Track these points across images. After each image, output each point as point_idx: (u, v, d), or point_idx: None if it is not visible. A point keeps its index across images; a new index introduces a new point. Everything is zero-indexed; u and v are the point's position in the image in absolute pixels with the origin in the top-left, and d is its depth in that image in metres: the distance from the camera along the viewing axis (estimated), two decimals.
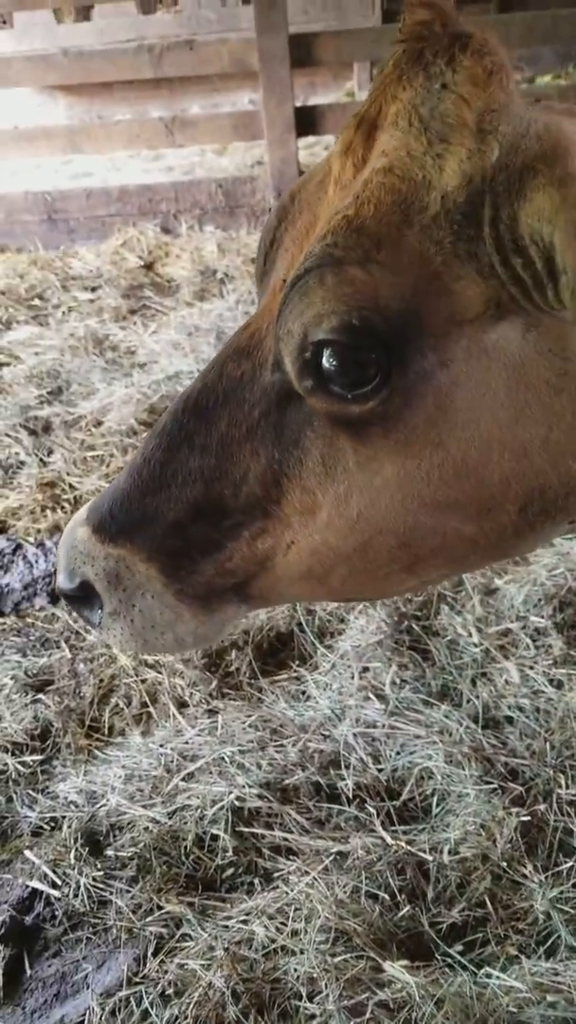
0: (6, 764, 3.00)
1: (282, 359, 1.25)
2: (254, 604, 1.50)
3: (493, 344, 1.17)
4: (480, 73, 1.15)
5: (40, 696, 3.28)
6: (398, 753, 2.92)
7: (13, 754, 3.04)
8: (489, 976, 2.29)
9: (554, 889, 2.49)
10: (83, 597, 1.46)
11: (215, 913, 2.50)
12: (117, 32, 11.92)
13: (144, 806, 2.80)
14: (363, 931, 2.38)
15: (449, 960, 2.36)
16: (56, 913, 2.57)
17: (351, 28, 10.32)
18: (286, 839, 2.68)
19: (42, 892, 2.61)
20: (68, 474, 4.54)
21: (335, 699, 3.13)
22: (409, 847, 2.62)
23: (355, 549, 1.32)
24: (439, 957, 2.37)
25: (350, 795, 2.80)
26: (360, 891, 2.51)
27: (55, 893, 2.60)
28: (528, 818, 2.67)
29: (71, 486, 4.46)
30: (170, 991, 2.32)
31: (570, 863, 2.57)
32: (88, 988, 2.39)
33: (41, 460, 4.70)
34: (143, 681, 3.30)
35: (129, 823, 2.77)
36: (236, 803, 2.77)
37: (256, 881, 2.59)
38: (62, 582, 1.47)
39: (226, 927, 2.45)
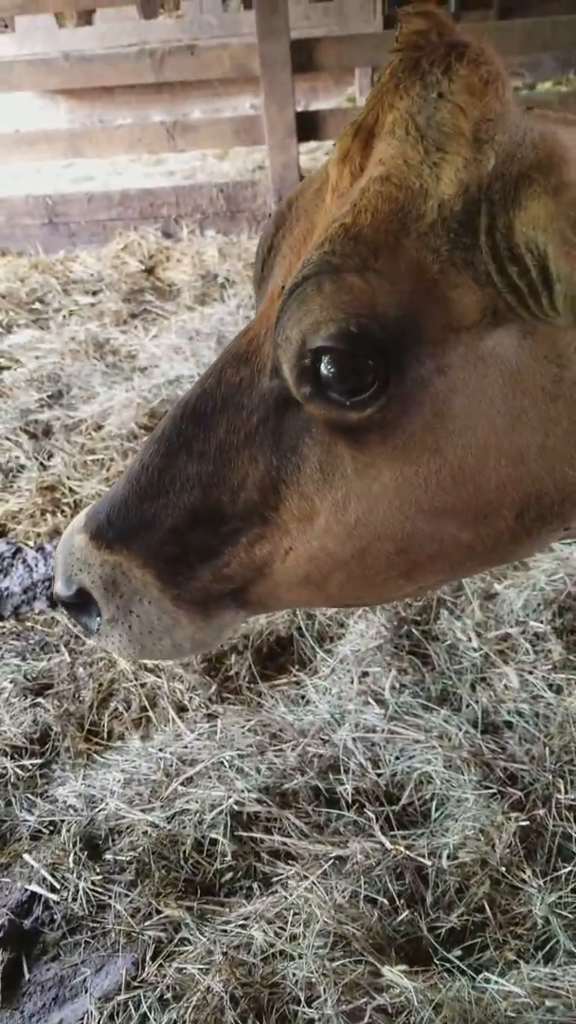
0: (5, 768, 3.00)
1: (280, 366, 1.25)
2: (252, 610, 1.51)
3: (490, 351, 1.18)
4: (476, 82, 1.16)
5: (39, 700, 3.28)
6: (397, 758, 2.92)
7: (12, 758, 3.04)
8: (488, 981, 2.29)
9: (553, 894, 2.49)
10: (81, 604, 1.47)
11: (214, 917, 2.50)
12: (119, 36, 11.94)
13: (143, 810, 2.80)
14: (362, 936, 2.38)
15: (448, 965, 2.36)
16: (55, 917, 2.57)
17: (353, 33, 10.34)
18: (285, 843, 2.68)
19: (41, 896, 2.62)
20: (68, 478, 4.54)
21: (334, 703, 3.13)
22: (408, 852, 2.62)
23: (353, 555, 1.32)
24: (438, 962, 2.37)
25: (349, 800, 2.81)
26: (359, 896, 2.51)
27: (54, 897, 2.60)
28: (527, 823, 2.67)
29: (71, 490, 4.47)
30: (168, 995, 2.32)
31: (569, 868, 2.57)
32: (87, 992, 2.39)
33: (41, 464, 4.71)
34: (142, 685, 3.30)
35: (128, 827, 2.77)
36: (235, 807, 2.77)
37: (255, 885, 2.59)
38: (59, 589, 1.48)
39: (225, 931, 2.45)
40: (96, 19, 12.82)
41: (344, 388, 1.18)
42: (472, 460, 1.22)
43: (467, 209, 1.14)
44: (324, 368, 1.18)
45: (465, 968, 2.34)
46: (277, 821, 2.75)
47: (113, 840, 2.75)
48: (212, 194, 8.02)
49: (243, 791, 2.81)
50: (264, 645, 3.44)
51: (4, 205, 8.12)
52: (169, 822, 2.76)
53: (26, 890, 2.63)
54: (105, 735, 3.16)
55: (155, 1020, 2.26)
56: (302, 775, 2.87)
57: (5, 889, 2.66)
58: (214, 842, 2.70)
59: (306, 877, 2.55)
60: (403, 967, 2.31)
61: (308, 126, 7.72)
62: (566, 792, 2.76)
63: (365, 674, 3.23)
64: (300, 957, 2.35)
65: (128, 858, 2.68)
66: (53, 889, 2.62)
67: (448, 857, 2.59)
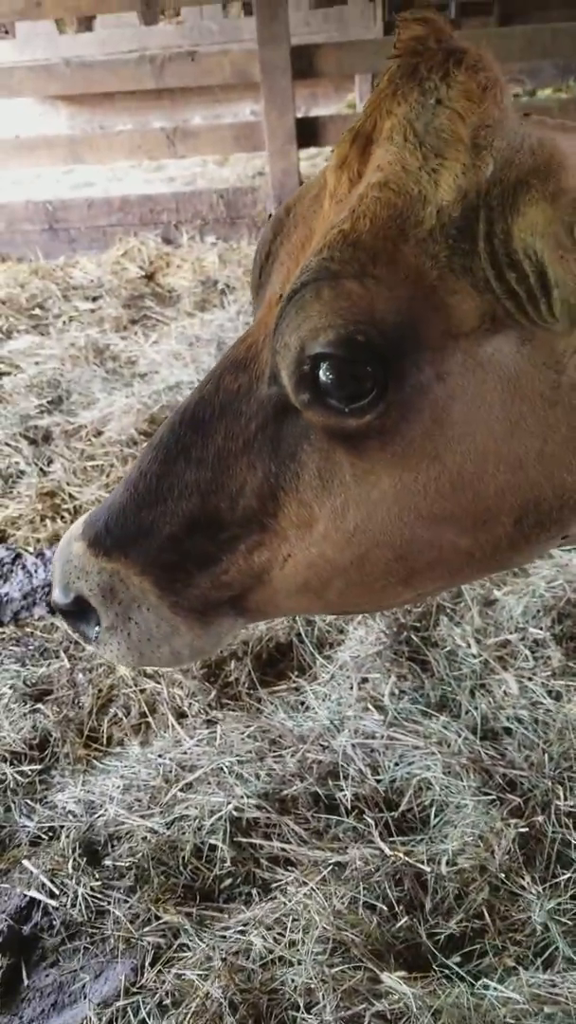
0: (4, 774, 3.00)
1: (279, 372, 1.25)
2: (251, 617, 1.50)
3: (488, 357, 1.18)
4: (475, 88, 1.16)
5: (39, 706, 3.28)
6: (396, 764, 2.92)
7: (11, 764, 3.04)
8: (487, 987, 2.28)
9: (552, 901, 2.48)
10: (79, 612, 1.46)
11: (213, 923, 2.50)
12: (119, 42, 11.96)
13: (142, 816, 2.80)
14: (361, 942, 2.38)
15: (447, 971, 2.35)
16: (54, 923, 2.57)
17: (353, 40, 10.35)
18: (284, 850, 2.68)
19: (40, 902, 2.61)
20: (68, 484, 4.54)
21: (334, 710, 3.13)
22: (407, 858, 2.62)
23: (352, 562, 1.32)
24: (437, 968, 2.36)
25: (348, 806, 2.80)
26: (358, 902, 2.50)
27: (53, 903, 2.59)
28: (526, 829, 2.67)
29: (71, 496, 4.47)
30: (167, 1001, 2.31)
31: (568, 874, 2.56)
32: (86, 998, 2.38)
33: (41, 470, 4.71)
34: (142, 691, 3.30)
35: (127, 833, 2.77)
36: (234, 813, 2.77)
37: (254, 891, 2.59)
38: (57, 597, 1.47)
39: (224, 937, 2.44)
40: (96, 25, 12.85)
41: (343, 395, 1.18)
42: (471, 466, 1.21)
43: (465, 215, 1.14)
44: (323, 375, 1.18)
45: (464, 974, 2.33)
46: (276, 827, 2.74)
47: (112, 846, 2.75)
48: (212, 200, 8.04)
49: (242, 797, 2.80)
50: (264, 651, 3.44)
51: (4, 211, 8.13)
52: (168, 828, 2.76)
53: (25, 896, 2.63)
54: (104, 741, 3.16)
55: None
56: (301, 781, 2.87)
57: (4, 895, 2.65)
58: (213, 848, 2.70)
59: (305, 883, 2.54)
60: (402, 973, 2.30)
61: (308, 132, 7.74)
62: (565, 799, 2.76)
63: (364, 680, 3.23)
64: (299, 963, 2.34)
65: (127, 864, 2.67)
66: (52, 895, 2.61)
67: (447, 863, 2.59)
